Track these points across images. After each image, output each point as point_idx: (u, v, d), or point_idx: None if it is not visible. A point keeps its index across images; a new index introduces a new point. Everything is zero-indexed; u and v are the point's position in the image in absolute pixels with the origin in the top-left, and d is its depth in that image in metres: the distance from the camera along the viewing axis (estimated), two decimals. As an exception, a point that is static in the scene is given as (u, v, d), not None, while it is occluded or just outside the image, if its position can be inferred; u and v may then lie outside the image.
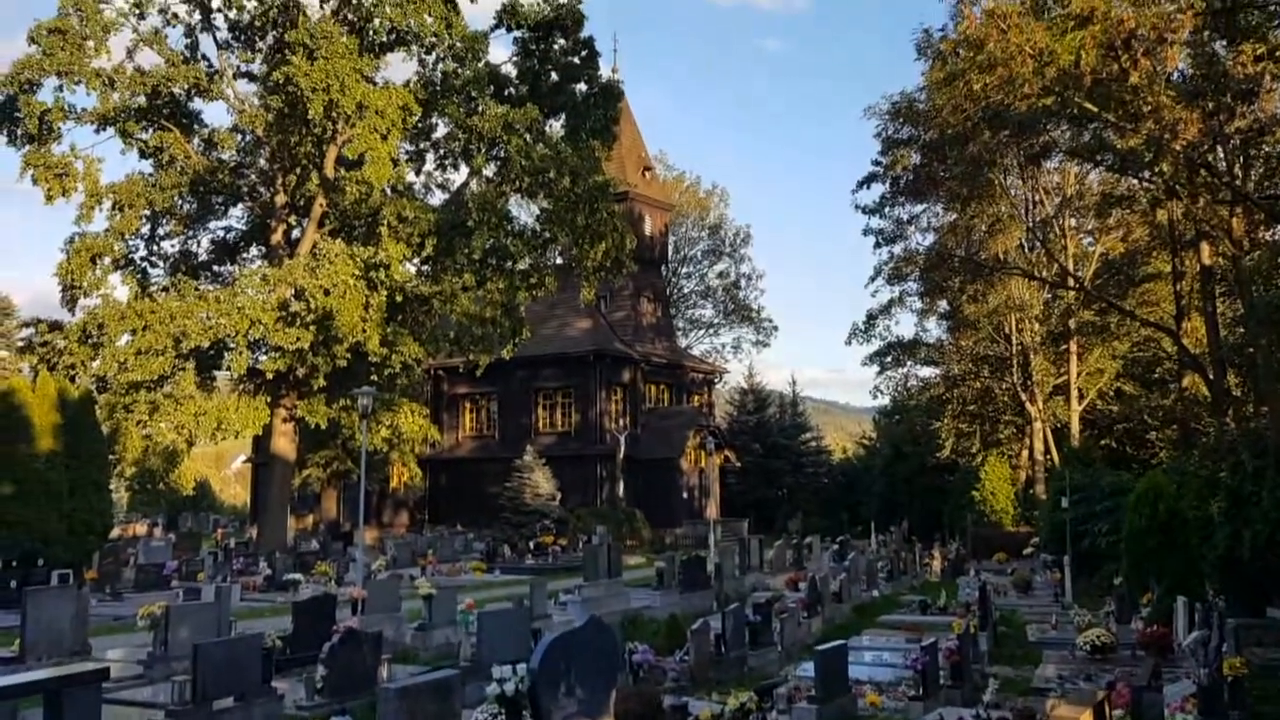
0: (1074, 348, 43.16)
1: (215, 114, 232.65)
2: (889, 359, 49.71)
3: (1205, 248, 31.55)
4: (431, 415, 42.84)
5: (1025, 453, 46.29)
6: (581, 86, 37.84)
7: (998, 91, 25.44)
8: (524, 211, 69.15)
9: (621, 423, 49.73)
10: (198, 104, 36.88)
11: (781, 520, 52.89)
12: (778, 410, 65.31)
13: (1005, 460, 44.64)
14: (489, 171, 36.80)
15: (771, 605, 16.70)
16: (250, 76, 37.17)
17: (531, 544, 37.04)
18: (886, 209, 43.87)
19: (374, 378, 32.08)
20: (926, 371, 51.82)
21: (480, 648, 13.06)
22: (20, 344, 36.00)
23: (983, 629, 15.69)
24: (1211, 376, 32.09)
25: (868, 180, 41.75)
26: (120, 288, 62.86)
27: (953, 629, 13.59)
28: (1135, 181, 34.28)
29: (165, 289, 35.17)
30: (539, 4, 36.49)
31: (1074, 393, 43.14)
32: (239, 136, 37.42)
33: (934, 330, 51.84)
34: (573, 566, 29.92)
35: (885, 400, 56.01)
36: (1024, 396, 44.29)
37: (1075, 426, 43.01)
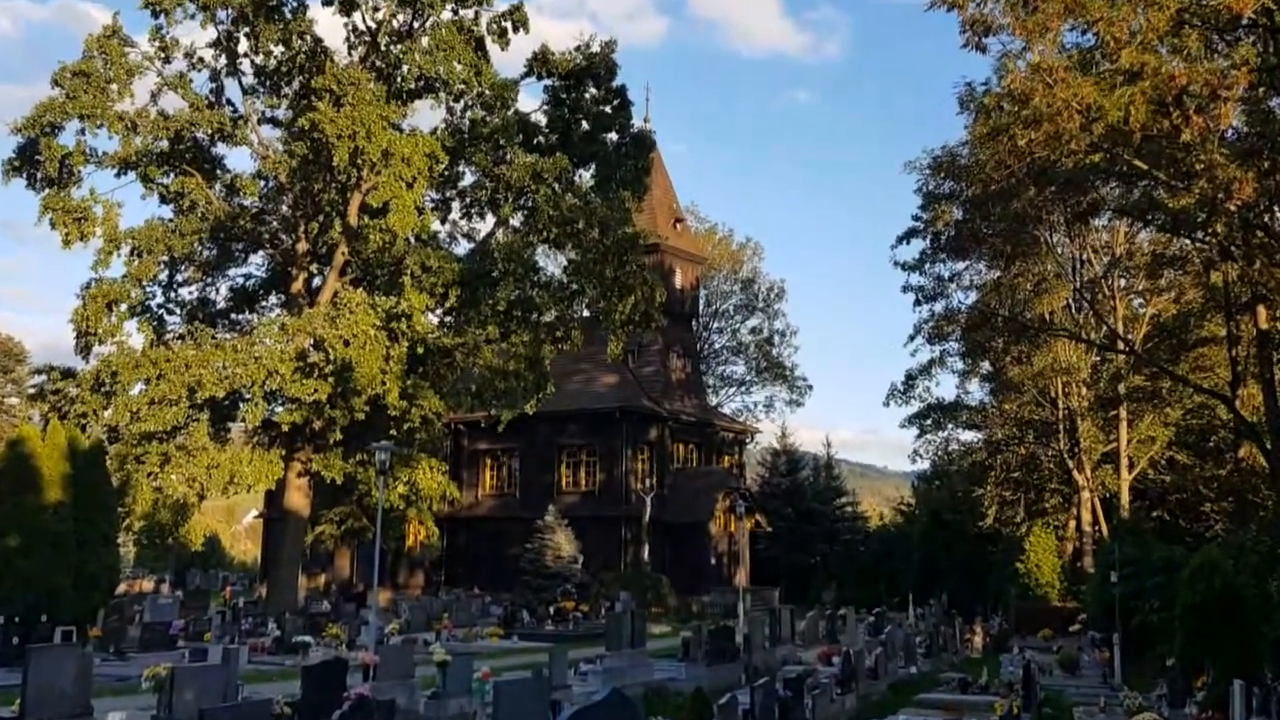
0: (1124, 414, 42.74)
1: (238, 159, 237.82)
2: (929, 421, 49.41)
3: (1262, 311, 31.30)
4: (450, 472, 42.90)
5: (1072, 523, 45.68)
6: (613, 136, 38.28)
7: (1043, 147, 25.54)
8: (551, 263, 69.48)
9: (648, 483, 49.60)
10: (221, 149, 37.62)
11: (814, 589, 52.31)
12: (811, 473, 64.92)
13: (1051, 531, 44.05)
14: (516, 221, 37.18)
15: (803, 680, 16.51)
16: (275, 122, 37.91)
17: (552, 609, 36.80)
18: (927, 265, 43.92)
19: (392, 432, 32.16)
20: (968, 435, 51.46)
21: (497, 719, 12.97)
22: (31, 391, 36.51)
23: (1026, 710, 15.45)
24: (1269, 446, 31.65)
25: (907, 235, 41.88)
26: (135, 335, 63.71)
27: (995, 710, 13.40)
28: (1188, 242, 34.16)
29: (181, 337, 35.58)
30: (571, 52, 37.09)
31: (1124, 461, 42.64)
32: (262, 183, 38.02)
33: (976, 392, 51.57)
34: (594, 634, 29.68)
35: (925, 464, 55.59)
36: (1071, 464, 43.81)
37: (1125, 497, 42.47)
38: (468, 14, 35.64)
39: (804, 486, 61.80)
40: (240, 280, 40.54)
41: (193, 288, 39.34)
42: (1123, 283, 43.71)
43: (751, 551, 52.07)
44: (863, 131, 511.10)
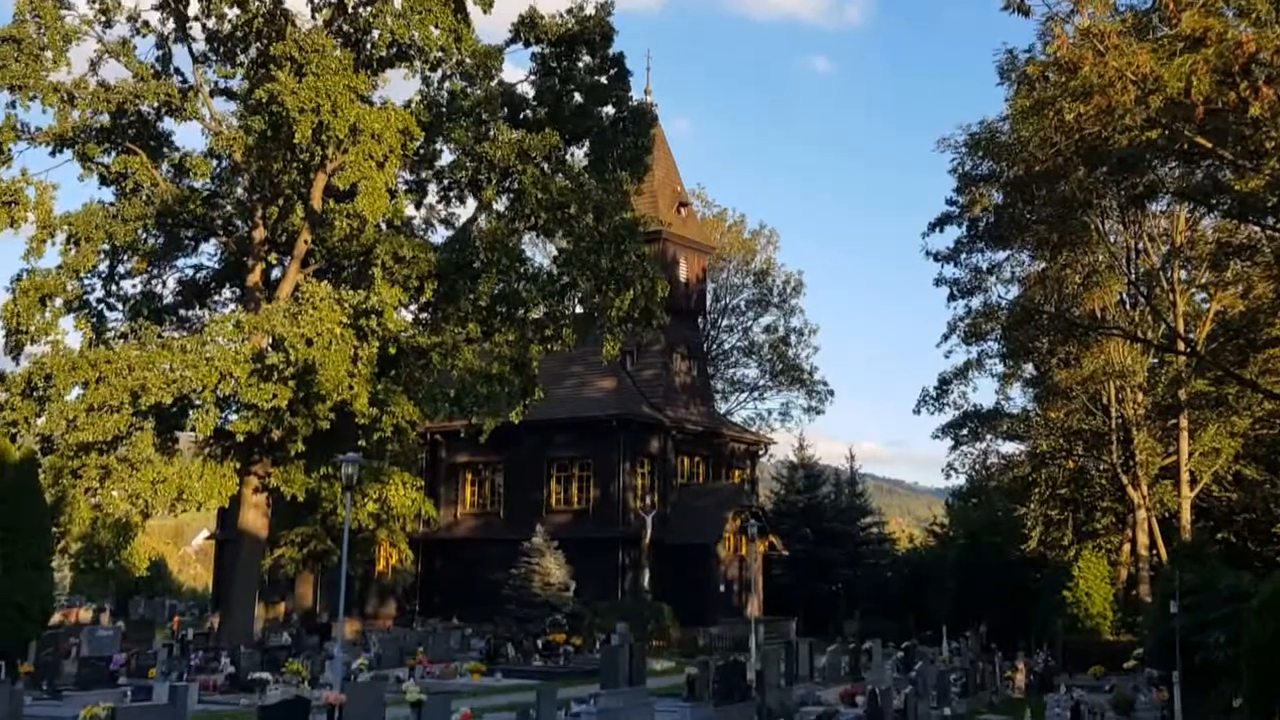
0: (1184, 423, 42.69)
1: (188, 136, 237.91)
2: (964, 432, 49.35)
3: (1341, 307, 31.33)
4: (426, 487, 42.83)
5: (1126, 547, 45.64)
6: (609, 110, 38.21)
7: (1094, 122, 25.53)
8: (539, 252, 69.48)
9: (648, 500, 49.54)
10: (168, 124, 37.69)
11: (836, 620, 52.26)
12: (833, 489, 64.83)
13: (1102, 555, 44.03)
14: (500, 205, 37.12)
15: (823, 723, 16.45)
16: (229, 94, 37.85)
17: (540, 642, 36.76)
18: (963, 256, 43.85)
19: (361, 442, 32.16)
20: (1009, 447, 51.40)
21: (477, 767, 12.91)
22: (-45, 396, 36.41)
23: (1075, 758, 15.39)
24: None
25: (941, 222, 41.78)
26: (72, 333, 63.73)
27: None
28: (1257, 229, 34.13)
29: (124, 336, 35.53)
30: (562, 15, 37.03)
31: (1184, 476, 42.59)
32: (214, 162, 37.98)
33: (1018, 399, 51.52)
34: (588, 670, 29.65)
35: (960, 480, 55.56)
36: (1125, 479, 43.77)
37: (1186, 516, 42.42)
38: (446, -28, 35.61)
39: (824, 505, 61.71)
40: (190, 272, 40.54)
41: (137, 280, 39.25)
42: (1183, 275, 43.67)
43: (765, 578, 51.96)
44: (889, 105, 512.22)
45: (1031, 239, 39.64)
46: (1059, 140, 28.51)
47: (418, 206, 39.86)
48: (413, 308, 36.53)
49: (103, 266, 37.65)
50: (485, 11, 35.50)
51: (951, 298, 45.41)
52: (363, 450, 31.39)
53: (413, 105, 35.67)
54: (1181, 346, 40.33)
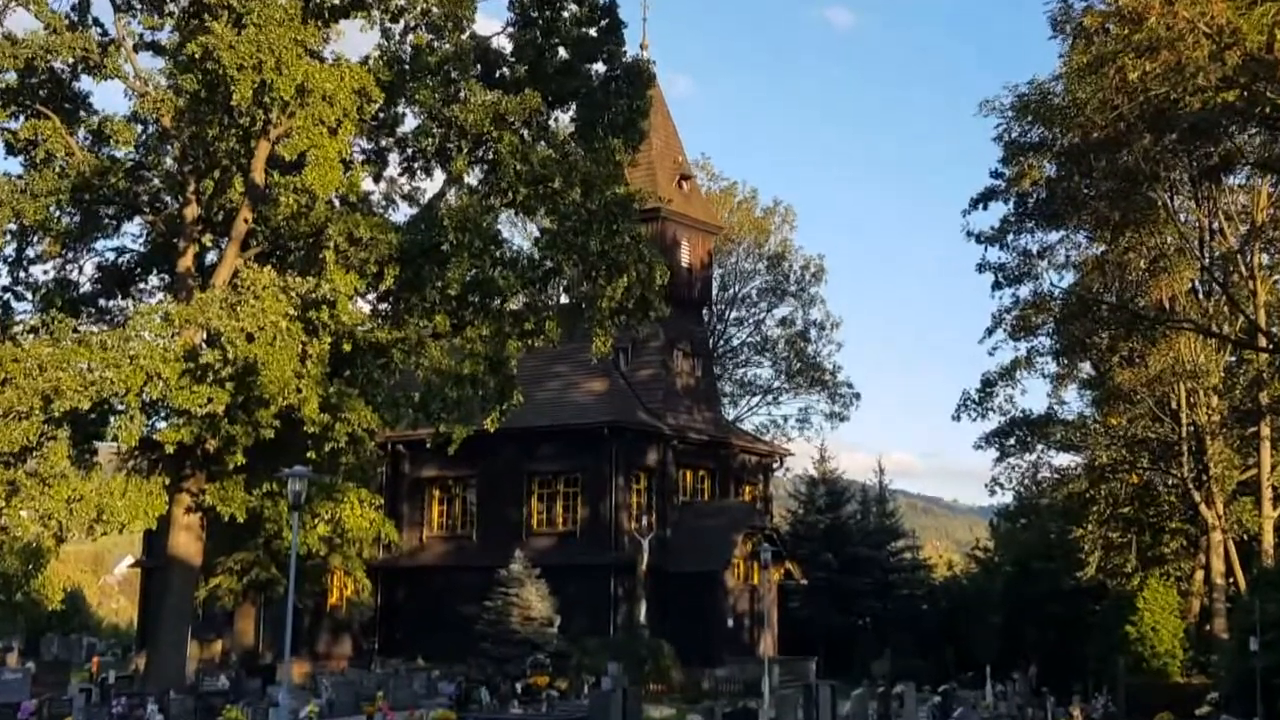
0: (1267, 431, 42.80)
1: (109, 98, 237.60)
2: (1012, 441, 49.48)
3: None
4: (387, 506, 42.78)
5: (1199, 574, 45.77)
6: (599, 67, 38.24)
7: (1161, 82, 25.66)
8: (518, 233, 69.44)
9: (645, 521, 49.58)
10: (86, 84, 37.66)
11: (863, 660, 52.37)
12: (859, 508, 65.03)
13: (1171, 584, 44.16)
14: (472, 179, 37.09)
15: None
16: (156, 48, 37.76)
17: (519, 686, 36.77)
18: (1010, 237, 43.99)
19: (310, 454, 32.09)
20: (1063, 459, 51.54)
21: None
22: None
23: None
24: None
25: (984, 198, 41.93)
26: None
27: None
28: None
29: (33, 330, 35.42)
30: (544, -43, 37.11)
31: (1266, 493, 42.71)
32: (139, 128, 37.88)
33: (1073, 403, 51.69)
34: (575, 718, 29.68)
35: (1006, 497, 55.71)
36: (1197, 496, 43.88)
37: (1268, 539, 42.53)
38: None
39: (849, 526, 61.87)
40: (111, 256, 40.38)
41: (49, 265, 39.11)
42: (1265, 259, 43.79)
43: (780, 610, 52.03)
44: (920, 63, 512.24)
45: (1089, 217, 39.76)
46: (1121, 103, 28.64)
47: (376, 180, 39.82)
48: (371, 297, 36.48)
49: (8, 250, 37.52)
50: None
51: (997, 286, 45.56)
52: (312, 463, 31.27)
53: (371, 62, 35.59)
54: (1263, 342, 40.43)
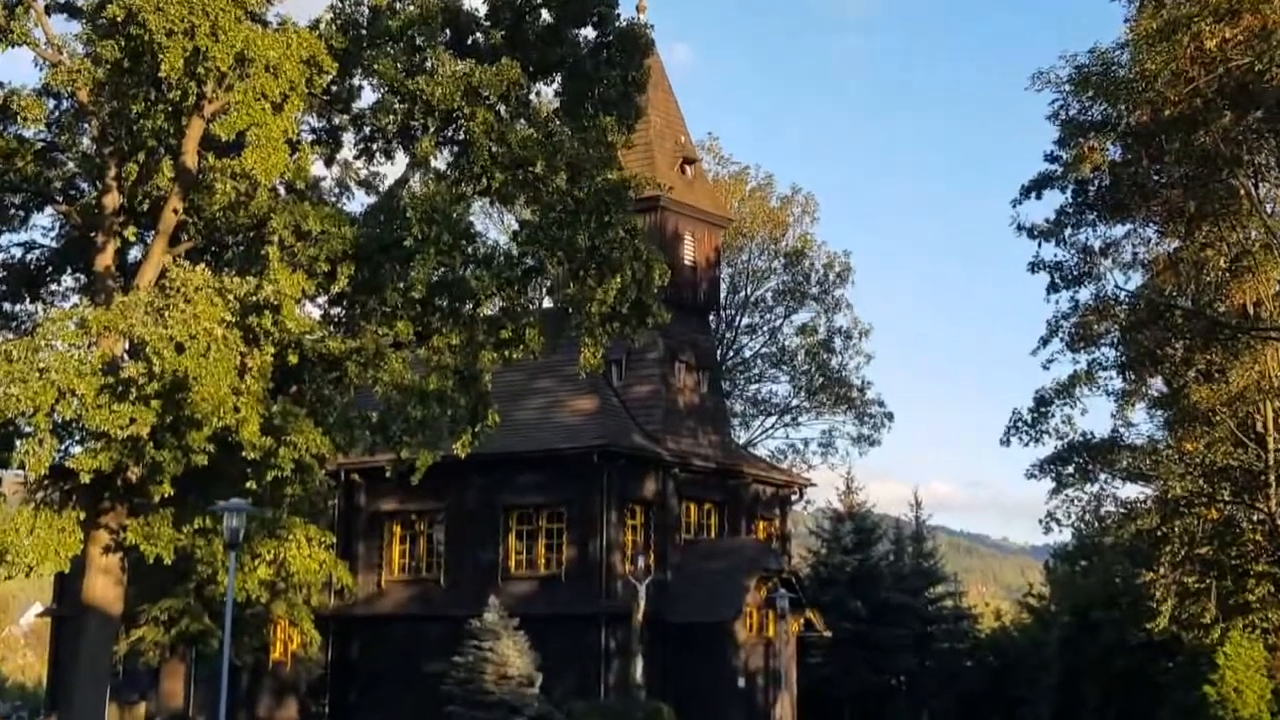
0: (1368, 457, 42.66)
1: (14, 67, 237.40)
2: (1070, 469, 49.23)
3: None
4: (340, 545, 42.60)
5: (1290, 624, 45.54)
6: (588, 33, 38.10)
7: (1244, 51, 25.49)
8: (494, 226, 69.34)
9: (642, 563, 49.34)
10: (-12, 52, 37.25)
11: (896, 725, 52.19)
12: (892, 548, 64.88)
13: (1257, 637, 43.95)
14: (440, 162, 36.88)
15: None
16: (72, 10, 37.56)
17: (494, 756, 36.58)
18: (1067, 231, 43.81)
19: (250, 484, 31.89)
20: (1131, 491, 51.33)
21: None
22: None
23: None
24: None
25: (1038, 185, 41.74)
26: None
27: None
28: None
29: (-74, 338, 35.25)
30: (524, -96, 36.98)
31: (1368, 530, 42.54)
32: (51, 104, 37.73)
33: (1142, 425, 51.62)
34: (559, 795, 29.47)
35: (1064, 535, 55.53)
36: (1288, 533, 43.71)
37: (1372, 584, 42.37)
38: None
39: (880, 569, 61.69)
40: (17, 252, 40.24)
41: (-57, 264, 39.03)
42: (1366, 257, 43.65)
43: (800, 667, 51.80)
44: (961, 26, 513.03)
45: (1160, 208, 39.61)
46: (1196, 75, 28.49)
47: (328, 163, 39.67)
48: (321, 301, 36.23)
49: (-102, 245, 37.40)
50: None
51: (1053, 288, 45.36)
52: (252, 495, 31.13)
53: (322, 26, 35.43)
54: (1364, 354, 40.20)
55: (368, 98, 38.17)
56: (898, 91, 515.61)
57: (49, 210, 39.46)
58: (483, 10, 38.01)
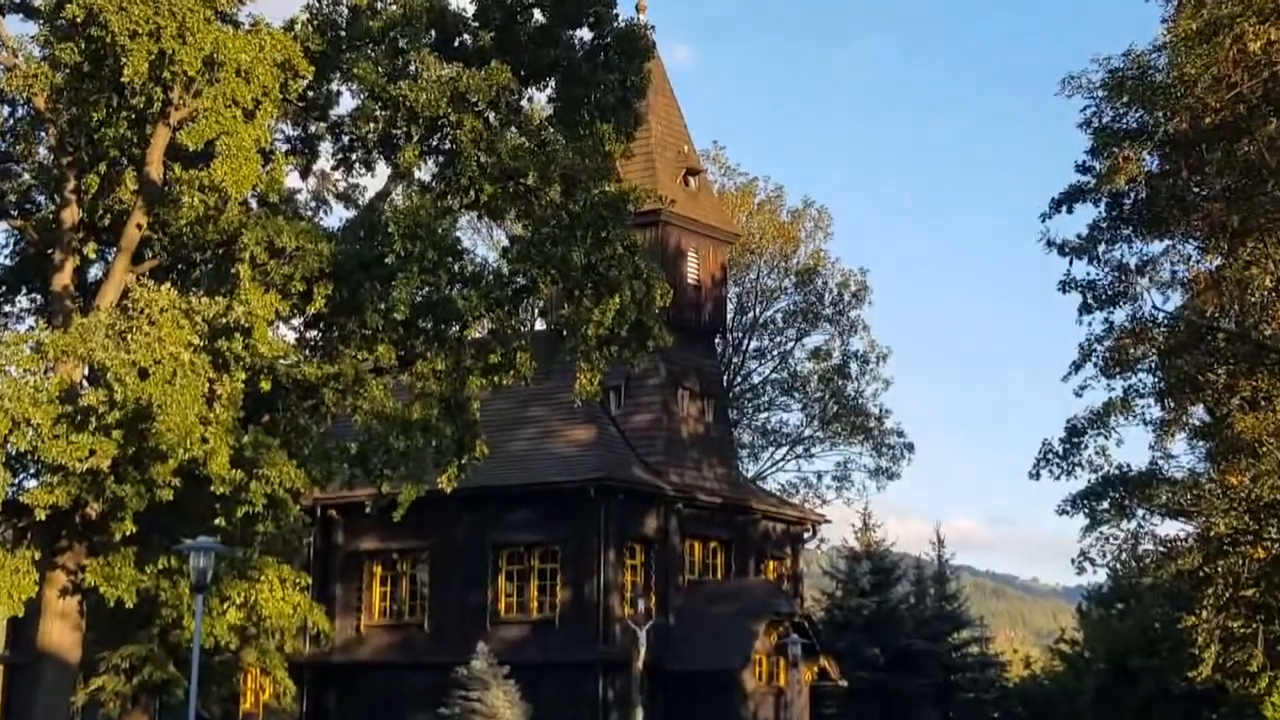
0: None
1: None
2: (1105, 505, 49.11)
3: None
4: (315, 588, 42.59)
5: (1344, 672, 45.55)
6: (584, 34, 38.24)
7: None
8: (482, 242, 69.41)
9: (642, 606, 49.38)
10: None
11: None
12: (913, 589, 64.85)
13: (1308, 686, 43.92)
14: (425, 173, 37.00)
15: None
16: (28, 10, 37.74)
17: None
18: (1101, 248, 43.79)
19: (219, 521, 31.94)
20: (1170, 527, 51.17)
21: None
22: None
23: None
24: None
25: (1068, 198, 41.78)
26: None
27: None
28: None
29: None
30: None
31: None
32: (5, 110, 37.83)
33: (1183, 457, 51.35)
34: None
35: (1098, 576, 55.51)
36: (1340, 574, 43.75)
37: None
38: None
39: (900, 613, 61.67)
40: (-31, 270, 40.30)
41: (-111, 282, 39.11)
42: None
43: (813, 718, 51.68)
44: (984, 25, 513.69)
45: (1201, 222, 39.64)
46: (1240, 79, 28.62)
47: (304, 175, 39.76)
48: (296, 323, 36.33)
49: None
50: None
51: (1085, 309, 45.30)
52: (221, 533, 31.17)
53: (298, 28, 35.55)
54: None
55: (346, 104, 38.36)
56: (920, 97, 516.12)
57: (2, 225, 39.54)
58: (470, 10, 38.14)
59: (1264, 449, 44.73)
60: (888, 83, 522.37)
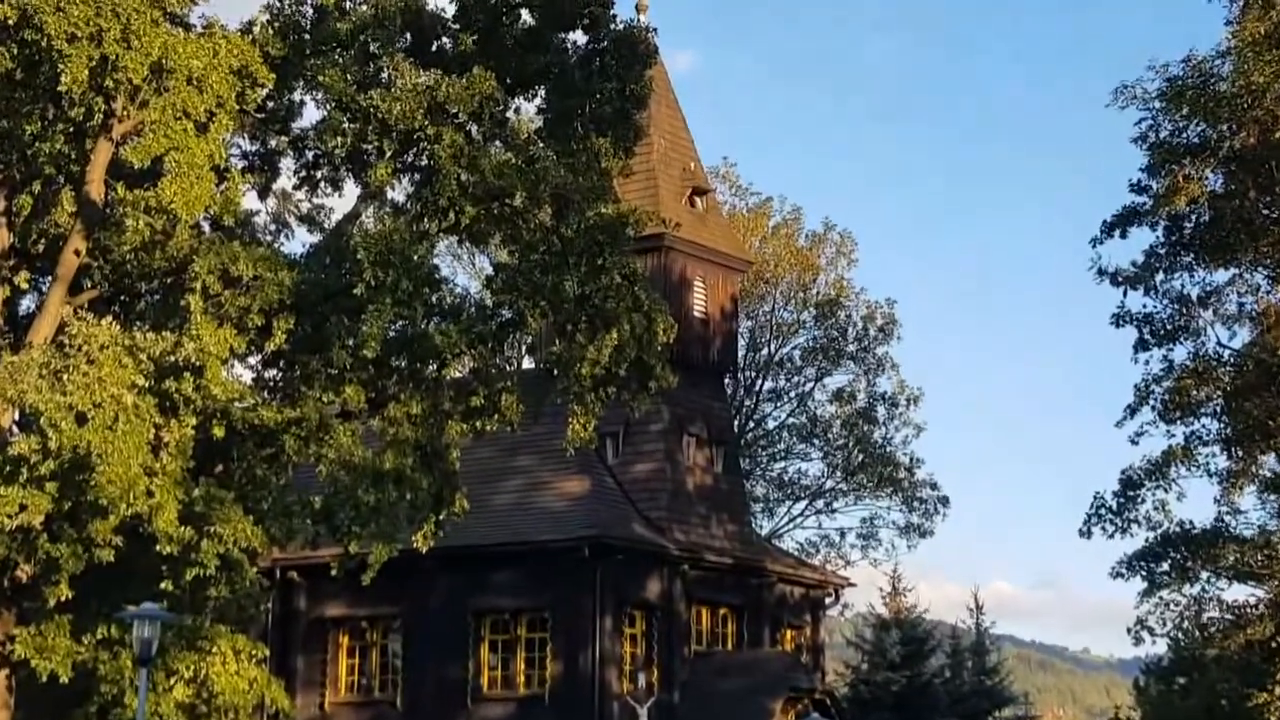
0: None
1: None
2: (1165, 567, 49.13)
3: None
4: (274, 660, 42.50)
5: None
6: (577, 37, 38.34)
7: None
8: (463, 271, 69.44)
9: (643, 681, 49.31)
10: None
11: None
12: (948, 661, 64.64)
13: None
14: (398, 194, 37.06)
15: None
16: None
17: None
18: (1158, 276, 43.87)
19: (166, 585, 31.87)
20: (1239, 592, 51.21)
21: None
22: None
23: None
24: None
25: (1122, 221, 41.88)
26: None
27: None
28: None
29: None
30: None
31: None
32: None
33: (1252, 513, 51.32)
34: None
35: (1158, 647, 55.33)
36: None
37: None
38: None
39: (935, 688, 61.49)
40: (-113, 302, 40.31)
41: None
42: None
43: (836, 809, 51.60)
44: (1020, 28, 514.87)
45: (1271, 249, 39.69)
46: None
47: (263, 195, 39.83)
48: (253, 361, 36.30)
49: None
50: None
51: (1142, 345, 45.35)
52: (168, 598, 31.10)
53: (256, 30, 35.61)
54: None
55: (311, 116, 38.40)
56: (956, 101, 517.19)
57: (-75, 251, 39.58)
58: (450, 11, 38.22)
59: (1342, 505, 44.72)
60: (916, 88, 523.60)
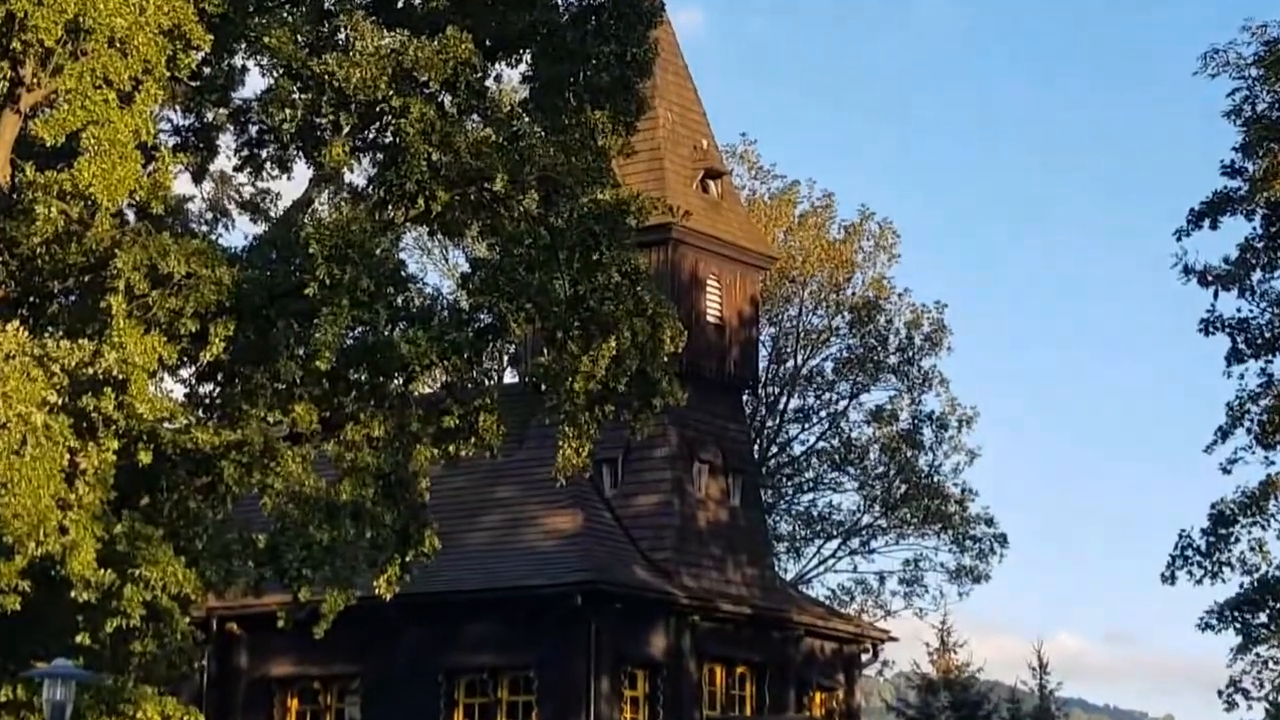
0: None
1: None
2: (1262, 618, 49.22)
3: None
4: (211, 726, 42.50)
5: None
6: (570, -9, 38.43)
7: None
8: (434, 268, 69.56)
9: (646, 752, 49.51)
10: None
11: None
12: (1006, 728, 64.68)
13: None
14: (358, 176, 37.12)
15: None
16: None
17: None
18: (1255, 275, 43.92)
19: (82, 638, 31.95)
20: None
21: None
22: None
23: None
24: None
25: (1211, 210, 41.95)
26: None
27: None
28: None
29: None
30: None
31: None
32: None
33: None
34: None
35: (1255, 712, 55.45)
36: None
37: None
38: None
39: (990, 759, 61.51)
40: None
41: None
42: None
43: None
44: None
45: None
46: None
47: (198, 178, 39.92)
48: (186, 374, 36.37)
49: None
50: None
51: (1235, 356, 45.38)
52: (85, 653, 31.15)
53: (191, -15, 35.80)
54: None
55: (255, 85, 38.51)
56: (1009, 70, 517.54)
57: None
58: (419, -38, 38.37)
59: None
60: (966, 55, 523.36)
